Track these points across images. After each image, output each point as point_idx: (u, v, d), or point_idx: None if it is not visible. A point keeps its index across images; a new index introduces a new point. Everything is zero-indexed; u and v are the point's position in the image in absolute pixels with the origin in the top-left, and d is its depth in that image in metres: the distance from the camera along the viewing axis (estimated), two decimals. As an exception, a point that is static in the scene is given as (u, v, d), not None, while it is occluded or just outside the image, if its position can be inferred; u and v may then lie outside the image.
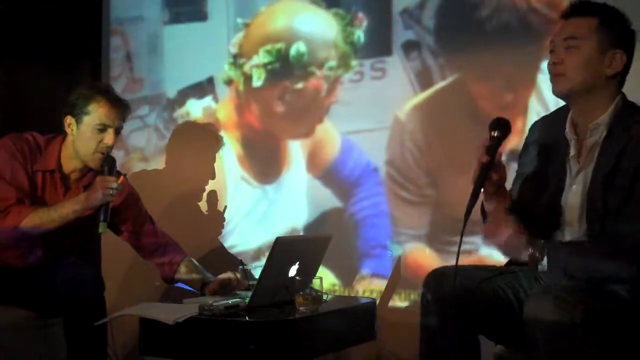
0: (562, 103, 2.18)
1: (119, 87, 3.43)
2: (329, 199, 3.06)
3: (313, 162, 3.08)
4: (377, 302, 2.71)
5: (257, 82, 3.12)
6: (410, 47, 2.87)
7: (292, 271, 2.38)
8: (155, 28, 3.39)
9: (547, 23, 2.69)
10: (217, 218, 3.47)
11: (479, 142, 2.02)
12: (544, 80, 2.69)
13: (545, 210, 2.18)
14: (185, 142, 3.44)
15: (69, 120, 2.82)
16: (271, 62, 3.11)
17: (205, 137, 3.46)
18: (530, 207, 2.20)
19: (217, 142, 3.56)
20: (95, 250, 3.16)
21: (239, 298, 2.38)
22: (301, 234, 3.30)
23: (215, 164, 3.37)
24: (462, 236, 1.95)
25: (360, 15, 2.97)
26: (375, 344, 2.92)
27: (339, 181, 3.03)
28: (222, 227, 3.40)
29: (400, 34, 2.88)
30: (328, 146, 3.05)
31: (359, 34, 2.97)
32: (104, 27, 3.83)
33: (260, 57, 3.13)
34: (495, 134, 2.02)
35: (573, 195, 2.13)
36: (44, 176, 2.85)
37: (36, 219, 2.76)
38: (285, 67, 3.10)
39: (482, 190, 2.01)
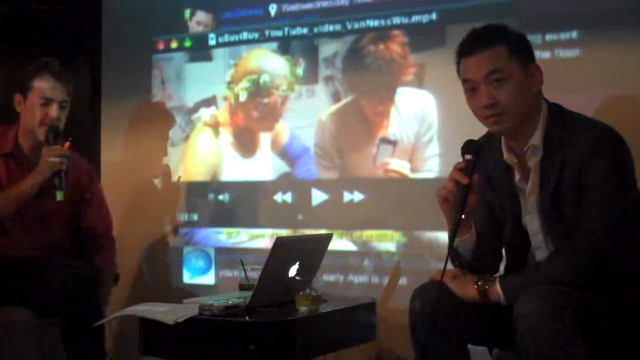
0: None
1: (156, 101, 3.98)
2: (283, 167, 3.70)
3: (274, 145, 3.73)
4: (377, 302, 2.60)
5: (242, 98, 3.79)
6: (328, 79, 3.58)
7: (292, 271, 2.31)
8: (180, 64, 3.96)
9: (400, 67, 3.39)
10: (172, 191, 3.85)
11: (453, 167, 1.96)
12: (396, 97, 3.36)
13: (512, 236, 2.12)
14: (142, 123, 3.92)
15: (17, 98, 2.81)
16: (250, 87, 3.77)
17: (157, 117, 3.88)
18: (497, 236, 2.16)
19: (167, 121, 3.81)
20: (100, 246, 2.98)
21: (239, 299, 2.26)
22: (300, 233, 3.50)
23: (187, 144, 3.85)
24: (446, 262, 1.92)
25: (300, 60, 3.64)
26: (375, 344, 2.87)
27: (288, 156, 3.69)
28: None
29: (322, 71, 3.57)
30: (282, 136, 3.70)
31: (299, 70, 3.64)
32: (103, 27, 4.11)
33: (244, 83, 3.79)
34: (469, 157, 1.95)
35: (531, 222, 2.07)
36: (5, 161, 2.80)
37: None
38: (258, 89, 3.73)
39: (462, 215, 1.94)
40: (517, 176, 2.08)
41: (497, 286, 1.95)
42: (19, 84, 2.77)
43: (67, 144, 2.72)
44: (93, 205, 2.95)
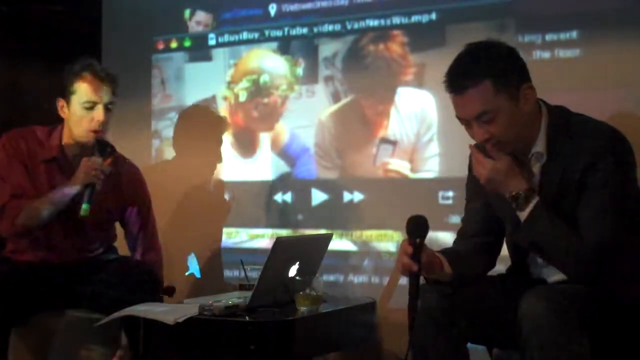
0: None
1: (156, 101, 3.96)
2: (283, 167, 3.71)
3: (274, 145, 3.74)
4: (377, 302, 2.59)
5: (242, 98, 3.80)
6: (328, 79, 3.59)
7: (292, 271, 2.30)
8: (180, 64, 3.97)
9: (400, 67, 3.40)
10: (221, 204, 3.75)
11: (401, 250, 1.96)
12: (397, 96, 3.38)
13: (513, 239, 2.12)
14: (190, 128, 3.81)
15: (61, 103, 2.67)
16: (249, 87, 3.78)
17: (208, 121, 3.78)
18: (496, 235, 2.17)
19: (221, 124, 3.67)
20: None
21: (239, 299, 2.25)
22: (300, 233, 3.50)
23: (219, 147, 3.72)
24: (410, 321, 1.88)
25: (300, 60, 3.66)
26: (375, 344, 2.86)
27: (288, 156, 3.70)
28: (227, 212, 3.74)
29: (322, 71, 3.58)
30: (282, 136, 3.72)
31: (299, 71, 3.66)
32: (103, 27, 4.09)
33: (244, 83, 3.80)
34: (418, 242, 1.95)
35: None
36: (47, 167, 2.68)
37: (30, 210, 2.58)
38: (257, 89, 3.74)
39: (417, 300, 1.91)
40: None
41: (529, 207, 1.96)
42: (61, 88, 2.66)
43: (109, 160, 2.63)
44: (147, 229, 2.86)
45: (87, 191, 2.54)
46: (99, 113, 2.59)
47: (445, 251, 2.15)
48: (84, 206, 2.53)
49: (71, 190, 2.54)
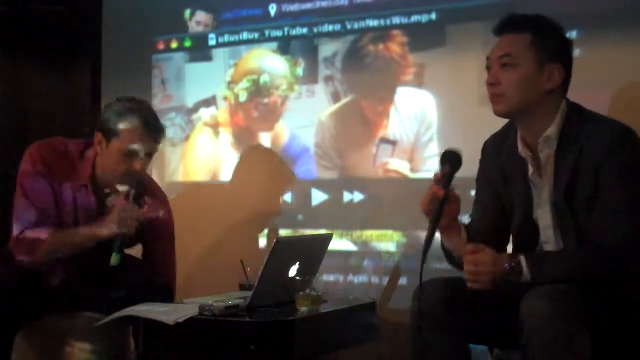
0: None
1: (156, 101, 3.94)
2: (283, 166, 3.71)
3: (274, 145, 3.76)
4: (377, 302, 2.59)
5: (242, 98, 3.82)
6: (327, 79, 3.61)
7: (292, 271, 2.29)
8: (180, 64, 3.99)
9: (400, 67, 3.42)
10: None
11: (433, 177, 1.98)
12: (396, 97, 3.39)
13: (521, 231, 2.11)
14: (253, 168, 3.76)
15: (99, 137, 2.47)
16: (249, 87, 3.80)
17: (274, 168, 3.71)
18: (505, 231, 2.16)
19: (287, 177, 3.54)
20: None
21: (239, 299, 2.23)
22: (300, 233, 3.51)
23: (253, 174, 3.70)
24: (422, 269, 1.90)
25: (300, 59, 3.68)
26: (375, 344, 2.77)
27: (288, 156, 3.72)
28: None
29: (322, 71, 3.61)
30: (282, 136, 3.74)
31: (299, 70, 3.68)
32: (103, 27, 4.10)
33: (244, 83, 3.82)
34: (447, 170, 1.96)
35: (542, 216, 2.06)
36: (76, 190, 2.51)
37: (53, 246, 2.44)
38: (257, 89, 3.77)
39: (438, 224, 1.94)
40: (530, 169, 2.08)
41: (523, 263, 1.92)
42: (102, 121, 2.45)
43: (145, 210, 2.47)
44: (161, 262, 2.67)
45: (118, 240, 2.42)
46: (138, 163, 2.44)
47: (468, 228, 2.16)
48: (115, 255, 2.41)
49: (101, 236, 2.41)
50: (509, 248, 2.26)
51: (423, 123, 3.36)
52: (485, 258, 1.94)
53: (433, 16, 3.35)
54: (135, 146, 2.41)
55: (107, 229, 2.38)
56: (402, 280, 3.32)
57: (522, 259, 1.92)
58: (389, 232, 3.41)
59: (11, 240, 2.44)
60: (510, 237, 2.22)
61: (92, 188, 2.50)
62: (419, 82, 3.37)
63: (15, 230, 2.44)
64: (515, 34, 2.03)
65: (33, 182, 2.44)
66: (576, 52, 2.89)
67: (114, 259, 2.41)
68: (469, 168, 2.34)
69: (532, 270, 1.91)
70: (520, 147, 2.10)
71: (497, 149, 2.17)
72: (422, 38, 3.36)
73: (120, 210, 2.39)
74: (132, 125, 2.41)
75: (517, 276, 1.92)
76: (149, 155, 2.47)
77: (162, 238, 2.63)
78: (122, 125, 2.42)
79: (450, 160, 1.99)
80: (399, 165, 3.40)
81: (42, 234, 2.41)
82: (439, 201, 1.94)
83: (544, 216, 2.07)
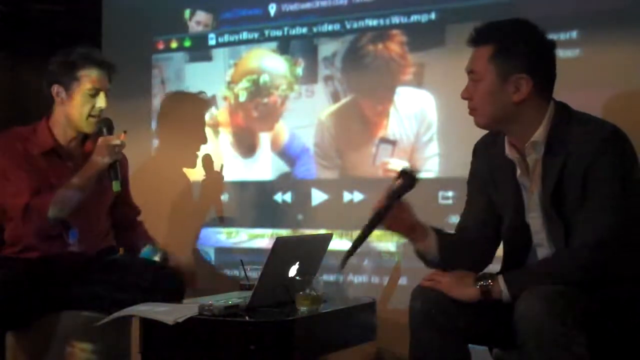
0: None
1: (156, 101, 3.99)
2: (283, 167, 3.74)
3: (274, 144, 3.77)
4: (377, 302, 2.60)
5: (242, 98, 3.83)
6: (327, 78, 3.63)
7: (292, 271, 2.30)
8: (180, 64, 4.00)
9: (399, 67, 3.42)
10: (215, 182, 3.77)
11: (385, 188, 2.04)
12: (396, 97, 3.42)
13: (513, 234, 2.12)
14: (174, 109, 3.86)
15: (56, 89, 2.68)
16: (249, 87, 3.81)
17: (192, 101, 3.80)
18: (494, 232, 2.17)
19: (204, 104, 3.68)
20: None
21: (239, 299, 2.25)
22: (300, 233, 3.50)
23: (211, 139, 3.76)
24: (344, 263, 2.04)
25: (300, 59, 3.69)
26: (375, 344, 2.83)
27: (288, 156, 3.73)
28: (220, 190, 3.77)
29: (322, 71, 3.62)
30: (282, 136, 3.75)
31: (299, 70, 3.69)
32: (103, 27, 4.10)
33: (243, 83, 3.83)
34: (399, 184, 2.04)
35: (534, 220, 2.07)
36: (47, 159, 2.69)
37: (59, 200, 2.58)
38: (257, 89, 3.78)
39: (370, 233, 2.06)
40: (518, 171, 2.10)
41: (500, 283, 1.94)
42: (54, 74, 2.68)
43: (123, 135, 2.67)
44: (127, 192, 2.94)
45: (112, 169, 2.61)
46: (101, 100, 2.66)
47: (440, 231, 2.18)
48: (115, 183, 2.61)
49: (98, 168, 2.59)
50: (499, 251, 2.29)
51: (423, 123, 3.36)
52: (455, 290, 2.03)
53: (433, 16, 3.35)
54: (98, 84, 2.64)
55: (100, 159, 2.58)
56: (402, 280, 3.32)
57: (499, 278, 1.97)
58: (389, 232, 3.41)
59: (20, 211, 2.58)
60: (502, 242, 2.25)
61: (61, 150, 2.69)
62: (418, 82, 3.37)
63: (20, 201, 2.57)
64: (479, 47, 2.05)
65: (10, 167, 2.63)
66: (576, 52, 3.00)
67: (116, 186, 2.61)
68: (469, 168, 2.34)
69: (510, 289, 1.94)
70: (508, 149, 2.11)
71: (487, 151, 2.19)
72: (421, 38, 3.35)
73: (103, 140, 2.60)
74: (89, 68, 2.65)
75: (496, 295, 1.96)
76: (107, 94, 2.69)
77: (125, 176, 2.85)
78: (80, 70, 2.65)
79: (405, 177, 2.05)
80: (399, 165, 3.38)
81: (44, 199, 2.56)
82: (379, 211, 2.02)
83: (535, 220, 2.09)
